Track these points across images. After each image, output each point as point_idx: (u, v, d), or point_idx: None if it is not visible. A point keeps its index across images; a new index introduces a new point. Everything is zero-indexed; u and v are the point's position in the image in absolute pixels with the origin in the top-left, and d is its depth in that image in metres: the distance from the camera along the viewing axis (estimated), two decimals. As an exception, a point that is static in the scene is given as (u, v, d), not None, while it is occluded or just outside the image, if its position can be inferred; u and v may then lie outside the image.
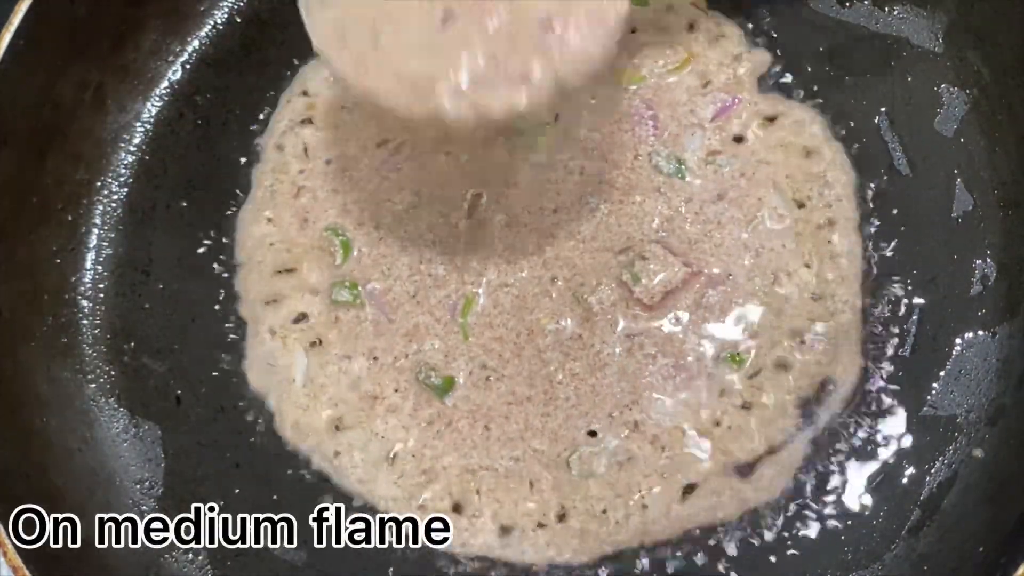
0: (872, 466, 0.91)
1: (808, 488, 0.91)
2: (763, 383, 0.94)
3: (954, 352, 0.93)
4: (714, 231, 0.98)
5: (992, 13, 0.97)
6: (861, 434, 0.92)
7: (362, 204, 1.03)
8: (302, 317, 1.00)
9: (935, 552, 0.87)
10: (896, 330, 0.94)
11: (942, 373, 0.93)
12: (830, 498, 0.90)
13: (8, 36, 0.93)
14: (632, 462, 0.93)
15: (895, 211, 0.98)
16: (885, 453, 0.91)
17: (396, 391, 0.97)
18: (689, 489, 0.92)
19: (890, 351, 0.94)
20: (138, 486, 0.96)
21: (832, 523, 0.90)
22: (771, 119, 1.02)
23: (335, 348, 0.99)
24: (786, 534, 0.90)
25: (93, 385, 0.99)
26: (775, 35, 1.04)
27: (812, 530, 0.90)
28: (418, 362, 0.97)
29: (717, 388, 0.94)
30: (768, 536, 0.90)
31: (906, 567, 0.87)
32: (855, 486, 0.90)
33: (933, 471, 0.90)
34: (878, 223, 0.97)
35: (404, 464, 0.95)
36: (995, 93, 0.98)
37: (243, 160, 1.06)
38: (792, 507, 0.90)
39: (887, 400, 0.92)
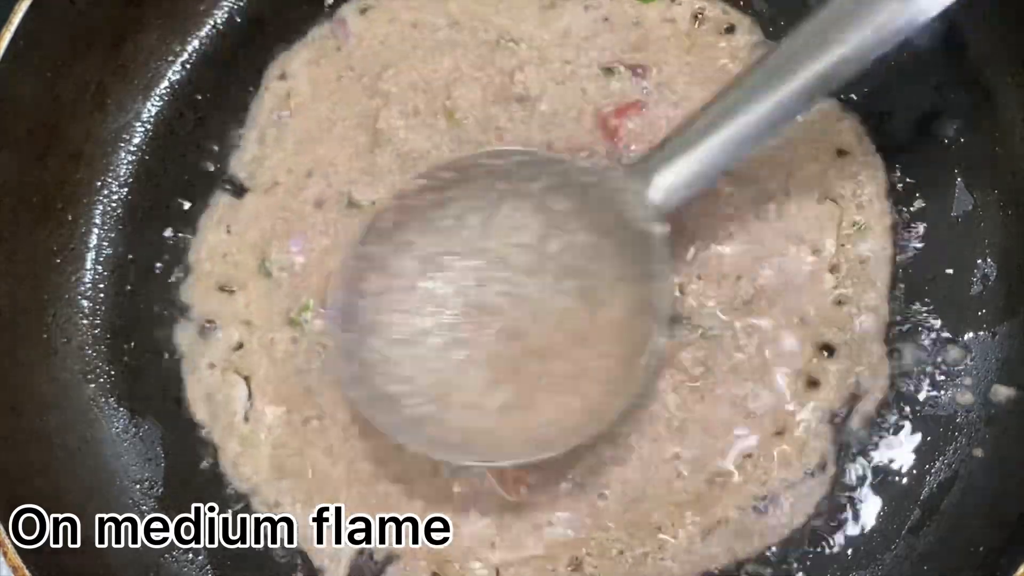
0: (872, 466, 0.91)
1: (825, 505, 0.89)
2: (792, 405, 0.90)
3: (954, 352, 0.93)
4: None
5: (992, 13, 0.97)
6: (862, 435, 0.92)
7: None
8: (239, 345, 0.97)
9: (935, 552, 0.87)
10: (896, 330, 0.94)
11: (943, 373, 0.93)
12: (832, 498, 0.90)
13: (8, 36, 0.93)
14: (652, 497, 0.88)
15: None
16: (885, 453, 0.91)
17: (343, 430, 0.92)
18: (711, 525, 0.87)
19: (891, 351, 0.94)
20: (138, 486, 0.96)
21: (832, 523, 0.90)
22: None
23: (273, 382, 0.95)
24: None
25: (93, 385, 0.99)
26: (780, 26, 1.03)
27: (812, 531, 0.90)
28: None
29: (744, 414, 0.90)
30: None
31: (906, 567, 0.87)
32: (855, 486, 0.90)
33: (933, 471, 0.90)
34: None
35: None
36: (995, 93, 0.98)
37: (242, 160, 1.06)
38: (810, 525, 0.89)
39: (888, 401, 0.92)
